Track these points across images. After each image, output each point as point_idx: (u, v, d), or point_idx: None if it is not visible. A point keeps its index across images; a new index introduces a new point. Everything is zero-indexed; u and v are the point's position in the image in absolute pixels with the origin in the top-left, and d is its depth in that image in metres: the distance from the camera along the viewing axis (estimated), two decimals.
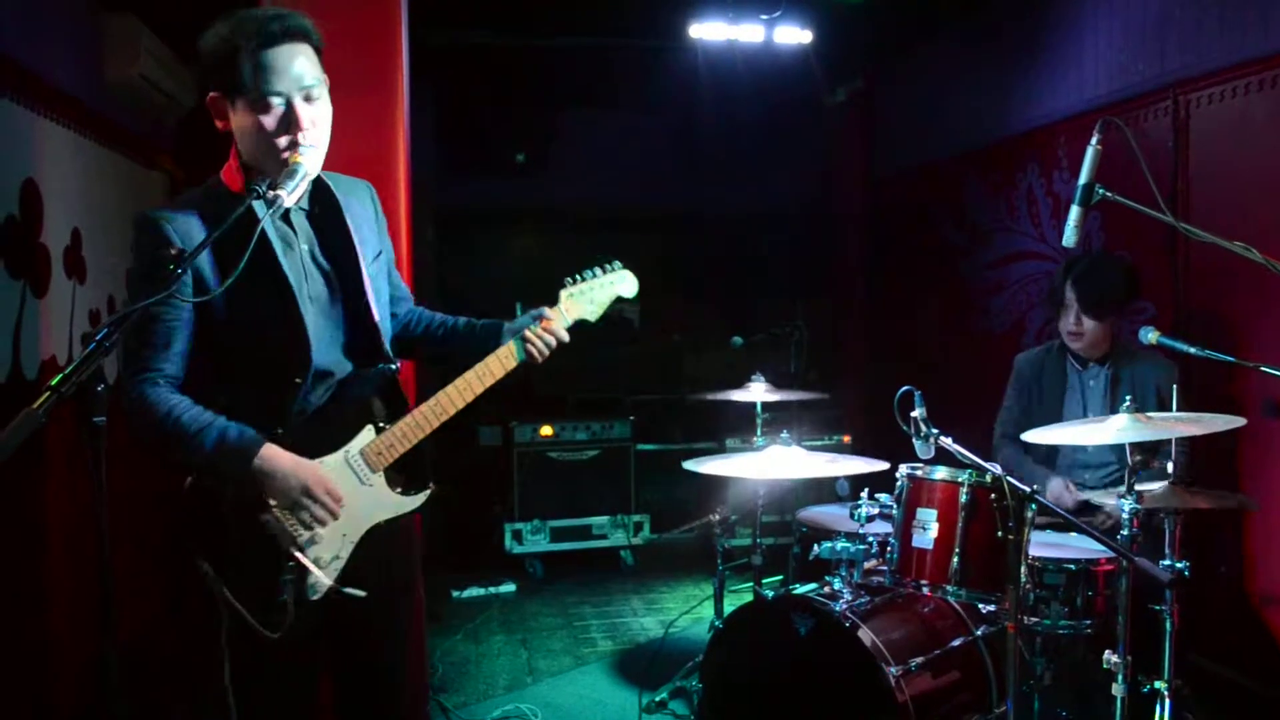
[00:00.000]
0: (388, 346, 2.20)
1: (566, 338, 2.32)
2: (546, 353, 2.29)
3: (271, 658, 1.99)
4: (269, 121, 1.98)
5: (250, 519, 1.98)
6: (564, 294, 2.36)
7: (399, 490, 2.15)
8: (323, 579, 2.01)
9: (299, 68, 1.98)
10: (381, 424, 2.13)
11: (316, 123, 2.03)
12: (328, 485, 2.01)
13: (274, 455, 1.97)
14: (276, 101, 1.97)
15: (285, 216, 2.08)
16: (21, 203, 3.25)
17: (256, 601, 1.95)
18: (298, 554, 1.99)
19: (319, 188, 2.15)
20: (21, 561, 3.21)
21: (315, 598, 2.00)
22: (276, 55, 1.96)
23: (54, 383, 1.45)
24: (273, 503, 1.98)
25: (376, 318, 2.15)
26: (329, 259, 2.13)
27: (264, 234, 1.95)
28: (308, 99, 2.01)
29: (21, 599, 3.19)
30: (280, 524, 1.98)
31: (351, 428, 2.10)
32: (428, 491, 2.19)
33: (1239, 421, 2.76)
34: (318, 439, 2.06)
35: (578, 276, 2.38)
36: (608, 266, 2.43)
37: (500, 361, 2.23)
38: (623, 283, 2.44)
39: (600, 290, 2.40)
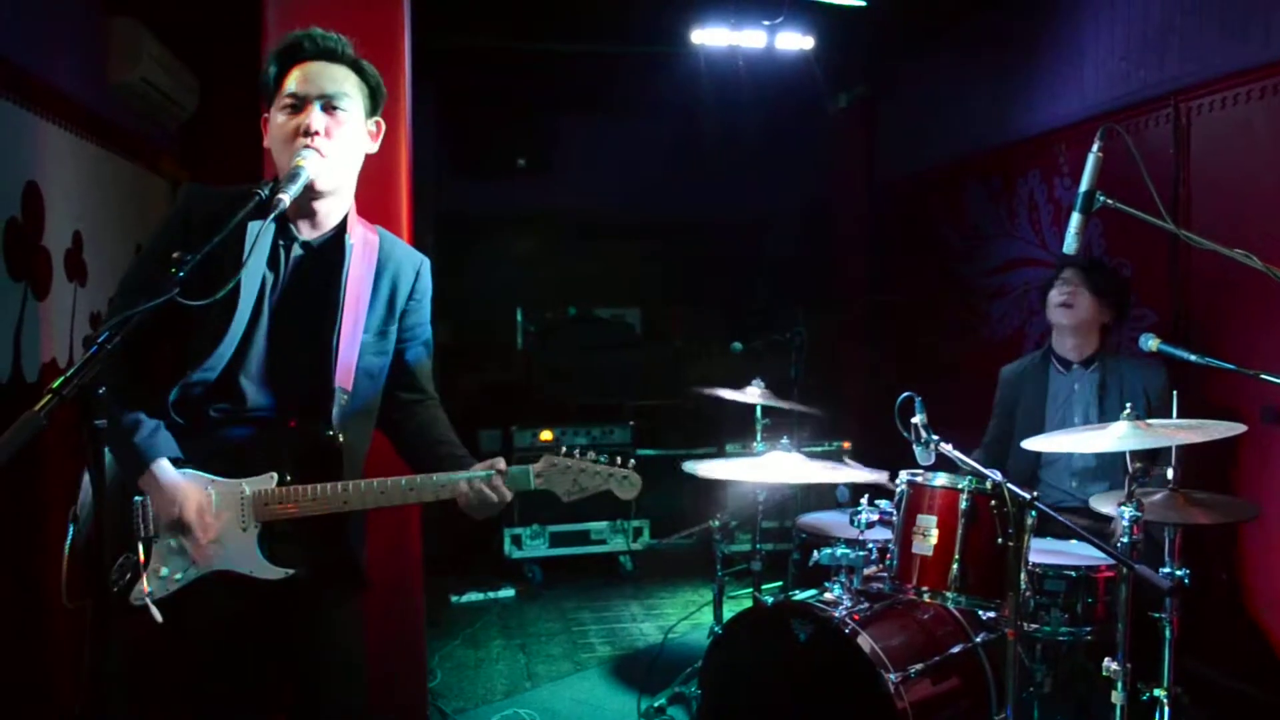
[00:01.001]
0: (337, 416, 2.09)
1: (507, 497, 2.12)
2: (484, 512, 2.10)
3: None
4: (286, 123, 2.02)
5: (128, 496, 1.98)
6: (546, 460, 2.13)
7: (265, 554, 2.03)
8: (144, 589, 1.94)
9: (326, 79, 2.04)
10: (288, 477, 2.05)
11: (331, 134, 2.03)
12: (205, 515, 1.98)
13: (164, 471, 1.96)
14: (294, 104, 2.02)
15: (287, 246, 2.07)
16: (23, 205, 3.25)
17: (93, 571, 1.89)
18: (140, 548, 1.95)
19: (335, 241, 2.12)
20: (22, 564, 3.21)
21: (136, 604, 1.94)
22: (308, 67, 2.04)
23: (55, 385, 1.45)
24: (141, 498, 1.97)
25: (337, 384, 2.08)
26: (305, 309, 2.09)
27: (244, 245, 1.94)
28: (328, 109, 2.03)
29: (22, 601, 3.19)
30: (142, 515, 1.97)
31: (256, 467, 2.03)
32: (289, 572, 2.03)
33: (1239, 428, 2.75)
34: (224, 460, 2.02)
35: (575, 451, 2.14)
36: (617, 461, 2.17)
37: (436, 486, 2.07)
38: (624, 484, 2.17)
39: (592, 479, 2.15)
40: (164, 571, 1.98)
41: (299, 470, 2.06)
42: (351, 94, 2.07)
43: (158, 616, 1.93)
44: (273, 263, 2.06)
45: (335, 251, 2.12)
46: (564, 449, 2.14)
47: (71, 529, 1.94)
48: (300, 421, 2.08)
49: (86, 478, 2.02)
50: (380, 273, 2.17)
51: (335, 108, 2.04)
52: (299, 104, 2.02)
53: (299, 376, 2.08)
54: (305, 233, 2.10)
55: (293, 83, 2.03)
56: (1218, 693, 3.80)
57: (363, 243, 2.15)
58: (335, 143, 2.04)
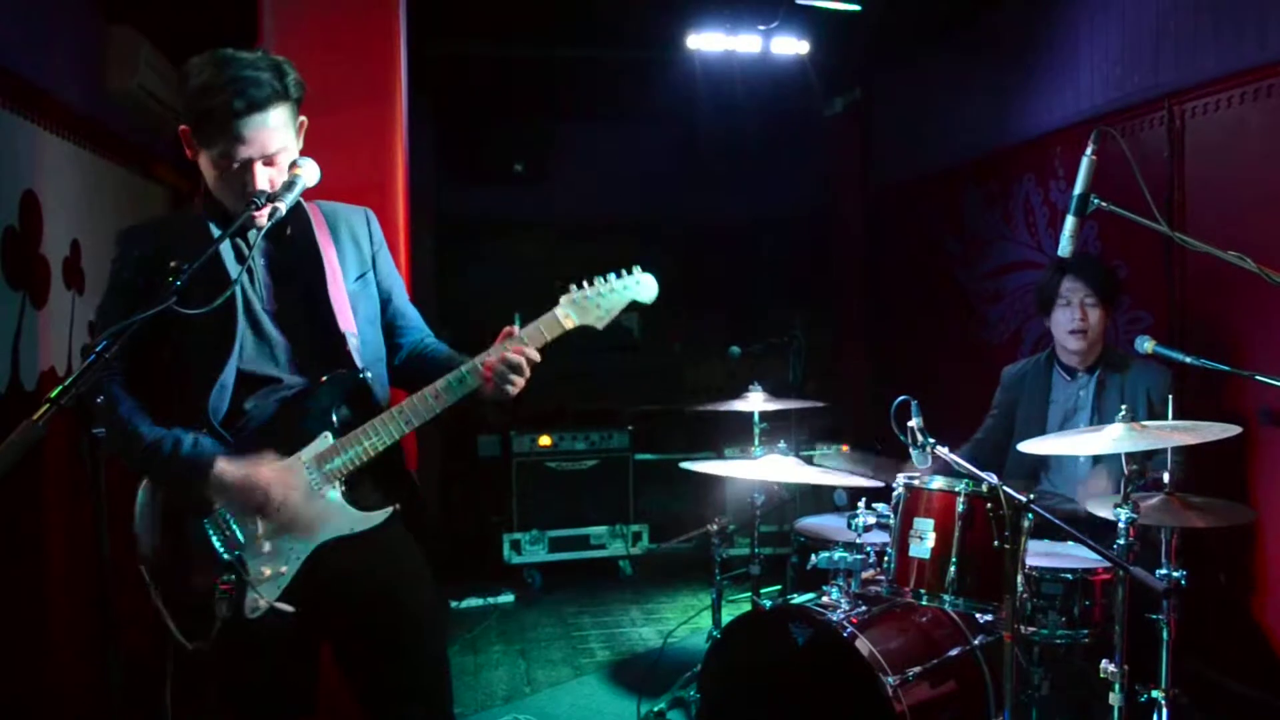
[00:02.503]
0: (358, 358, 2.15)
1: (537, 358, 2.15)
2: (511, 379, 2.11)
3: (215, 676, 1.98)
4: (229, 177, 2.05)
5: (192, 526, 1.97)
6: (564, 300, 2.17)
7: (356, 505, 2.06)
8: (261, 597, 1.94)
9: (265, 138, 2.03)
10: (338, 431, 2.08)
11: (274, 182, 2.07)
12: (289, 475, 1.99)
13: (227, 466, 1.97)
14: (236, 165, 2.03)
15: (243, 234, 2.11)
16: (21, 214, 3.26)
17: (188, 611, 1.92)
18: (235, 563, 1.95)
19: (295, 211, 2.17)
20: (22, 572, 3.21)
21: (255, 616, 1.95)
22: (245, 124, 2.00)
23: (53, 395, 1.46)
24: (219, 508, 1.97)
25: (343, 329, 2.13)
26: (292, 276, 2.14)
27: (219, 249, 2.01)
28: (268, 163, 2.06)
29: (21, 609, 3.19)
30: (223, 534, 1.96)
31: (306, 435, 2.06)
32: (389, 510, 2.08)
33: (1235, 430, 2.76)
34: (268, 446, 2.03)
35: (585, 283, 2.19)
36: (623, 272, 2.23)
37: (450, 383, 2.11)
38: (639, 287, 2.21)
39: (610, 296, 2.18)
40: (269, 572, 1.98)
41: (350, 417, 2.10)
42: (286, 131, 2.08)
43: (287, 608, 1.96)
44: (239, 257, 2.12)
45: (297, 221, 2.18)
46: (574, 284, 2.17)
47: (148, 575, 1.93)
48: (329, 376, 2.11)
49: (138, 507, 2.04)
50: (335, 228, 2.23)
51: (274, 160, 2.07)
52: (243, 165, 2.04)
53: (311, 338, 2.13)
54: (261, 222, 2.12)
55: (231, 144, 2.01)
56: (1216, 694, 3.81)
57: (323, 210, 2.24)
58: (279, 170, 2.08)
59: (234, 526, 1.97)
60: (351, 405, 2.13)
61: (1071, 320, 3.67)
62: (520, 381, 2.11)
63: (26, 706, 3.21)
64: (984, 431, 3.99)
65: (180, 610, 1.93)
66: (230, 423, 2.06)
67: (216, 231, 1.99)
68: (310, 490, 2.02)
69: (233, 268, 2.06)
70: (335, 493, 2.04)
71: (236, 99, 1.97)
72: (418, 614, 2.20)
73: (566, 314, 2.16)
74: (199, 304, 1.82)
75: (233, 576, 1.94)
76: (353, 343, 2.14)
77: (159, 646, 1.97)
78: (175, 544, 1.96)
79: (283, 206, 1.94)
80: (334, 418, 2.09)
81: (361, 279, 2.24)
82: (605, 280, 2.20)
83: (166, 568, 1.96)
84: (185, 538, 1.97)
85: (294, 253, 2.16)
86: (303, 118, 2.17)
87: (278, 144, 2.05)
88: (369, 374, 2.15)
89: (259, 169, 2.04)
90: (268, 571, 1.98)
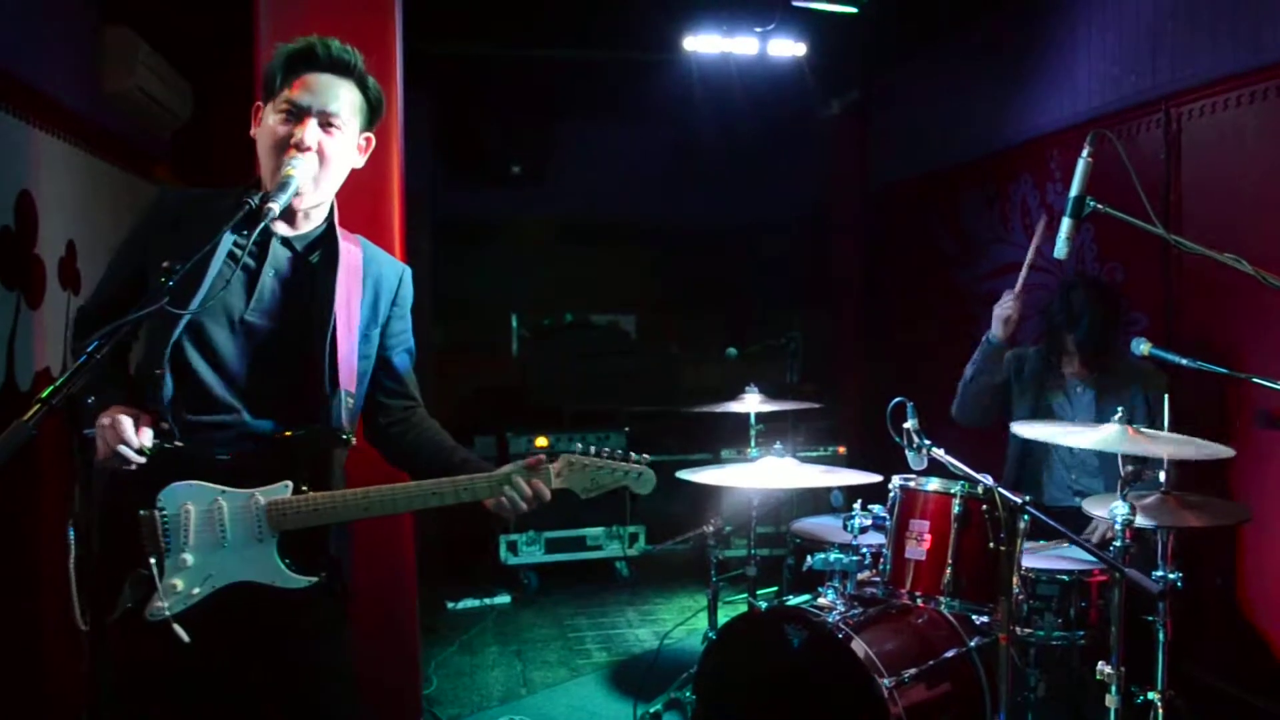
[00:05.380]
0: (346, 420, 2.08)
1: (547, 498, 2.13)
2: (522, 508, 2.11)
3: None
4: (280, 131, 2.01)
5: (129, 511, 1.93)
6: (565, 458, 2.13)
7: (287, 563, 2.01)
8: (164, 605, 1.91)
9: (329, 95, 2.03)
10: (304, 487, 2.03)
11: (324, 150, 2.03)
12: (137, 415, 1.89)
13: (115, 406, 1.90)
14: (292, 111, 2.02)
15: (264, 243, 2.05)
16: (17, 214, 3.26)
17: (95, 588, 1.84)
18: (152, 562, 1.91)
19: (328, 238, 2.13)
20: (14, 573, 3.21)
21: (154, 620, 1.91)
22: (314, 78, 2.03)
23: (44, 395, 1.45)
24: (160, 507, 1.93)
25: (343, 386, 2.07)
26: (297, 306, 2.08)
27: (218, 249, 1.96)
28: (325, 125, 2.03)
29: (14, 611, 3.18)
30: (154, 525, 1.93)
31: (269, 476, 2.00)
32: (313, 579, 2.02)
33: (1228, 452, 2.76)
34: (232, 474, 1.99)
35: (591, 449, 2.13)
36: (633, 457, 2.15)
37: (457, 488, 2.09)
38: (636, 482, 2.15)
39: (607, 476, 2.14)
40: (180, 586, 1.94)
41: (310, 477, 2.03)
42: (350, 111, 2.07)
43: (184, 636, 1.90)
44: (251, 258, 2.05)
45: (325, 250, 2.12)
46: (579, 447, 2.13)
47: (74, 541, 1.84)
48: (308, 427, 2.05)
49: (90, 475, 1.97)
50: (365, 276, 2.17)
51: (331, 124, 2.04)
52: (297, 114, 2.02)
53: (291, 379, 2.06)
54: (283, 229, 2.09)
55: (295, 90, 2.02)
56: (1212, 696, 3.81)
57: (346, 248, 2.15)
58: (325, 158, 2.04)
59: (168, 528, 1.94)
60: (317, 464, 2.06)
61: (1071, 367, 3.84)
62: (525, 510, 2.14)
63: (21, 709, 3.20)
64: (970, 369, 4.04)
65: (87, 589, 1.85)
66: (190, 433, 2.01)
67: (229, 235, 1.93)
68: (252, 531, 1.98)
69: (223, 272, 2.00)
70: (271, 541, 1.99)
71: (320, 48, 2.04)
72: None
73: (560, 475, 2.14)
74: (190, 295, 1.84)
75: (146, 573, 1.91)
76: (347, 402, 2.08)
77: (156, 654, 1.94)
78: (108, 520, 1.89)
79: (275, 208, 1.91)
80: (300, 469, 2.03)
81: (366, 339, 2.17)
82: (611, 455, 2.15)
83: (91, 537, 1.91)
84: (120, 519, 1.93)
85: (303, 283, 2.09)
86: (370, 135, 2.16)
87: (338, 107, 2.04)
88: (353, 440, 2.10)
89: (311, 124, 2.01)
90: (179, 585, 1.94)
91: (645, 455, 2.16)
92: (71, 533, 1.83)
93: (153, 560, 1.91)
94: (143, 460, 1.87)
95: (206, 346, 2.01)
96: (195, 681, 2.01)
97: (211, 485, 1.97)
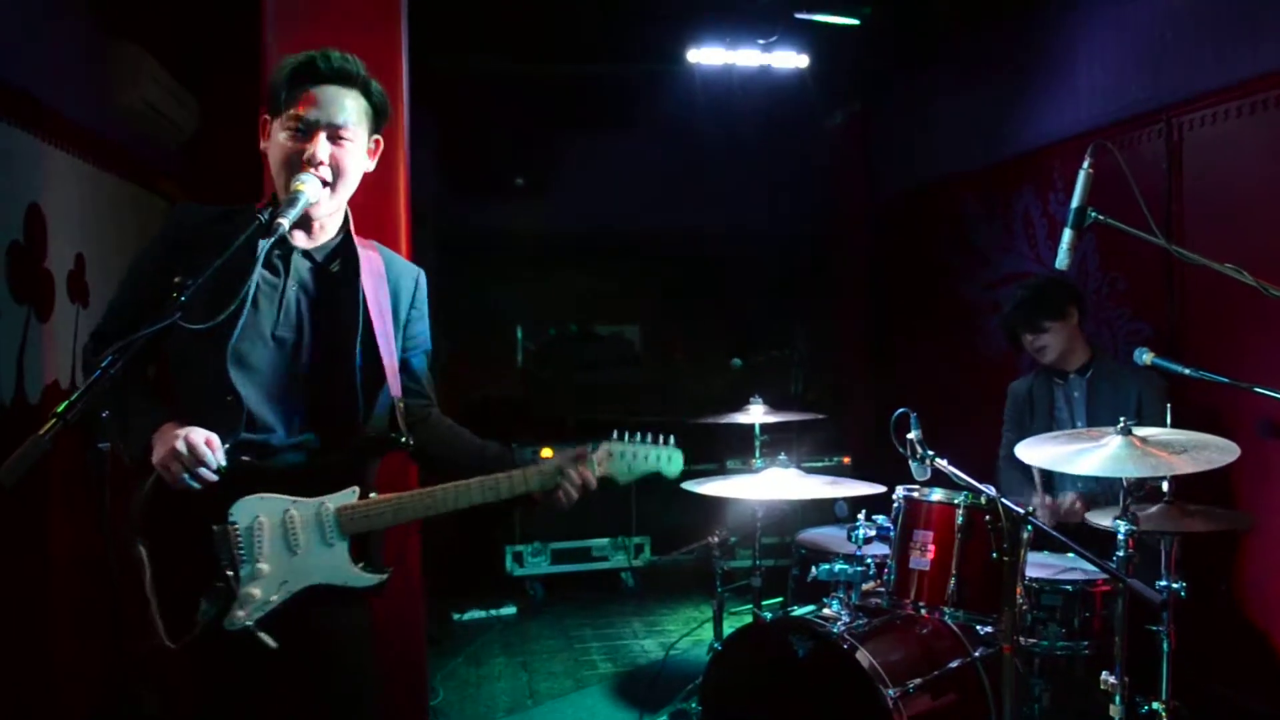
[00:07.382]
0: (398, 421, 2.15)
1: (594, 486, 2.17)
2: (574, 498, 2.15)
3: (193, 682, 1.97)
4: (290, 147, 2.04)
5: (200, 525, 1.96)
6: (605, 446, 2.18)
7: (360, 564, 2.07)
8: (243, 614, 1.96)
9: (335, 107, 2.05)
10: (371, 492, 2.09)
11: (338, 165, 2.06)
12: (208, 436, 1.93)
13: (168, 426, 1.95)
14: (301, 128, 2.04)
15: (285, 256, 2.08)
16: (26, 228, 3.28)
17: (174, 605, 1.91)
18: (230, 574, 1.95)
19: (345, 246, 2.16)
20: (28, 586, 3.22)
21: (233, 629, 1.95)
22: (319, 91, 2.05)
23: (59, 409, 1.47)
24: (233, 520, 1.97)
25: (390, 392, 2.13)
26: (324, 316, 2.11)
27: (249, 263, 1.96)
28: (335, 139, 2.06)
29: (28, 623, 3.20)
30: (228, 539, 1.97)
31: (335, 484, 2.06)
32: (384, 576, 2.10)
33: (1232, 455, 2.76)
34: (296, 482, 2.03)
35: (627, 435, 2.19)
36: (662, 439, 2.22)
37: (513, 482, 2.13)
38: (668, 462, 2.23)
39: (642, 461, 2.20)
40: (259, 595, 1.98)
41: (370, 480, 2.11)
42: (358, 120, 2.10)
43: (270, 642, 1.95)
44: (273, 273, 2.08)
45: (344, 258, 2.15)
46: (615, 434, 2.19)
47: (146, 559, 1.89)
48: (364, 435, 2.11)
49: (144, 492, 2.00)
50: (387, 280, 2.20)
51: (341, 136, 2.06)
52: (306, 130, 2.04)
53: (323, 385, 2.10)
54: (301, 242, 2.12)
55: (302, 105, 2.04)
56: (1217, 706, 3.80)
57: (365, 254, 2.18)
58: (338, 170, 2.07)
59: (241, 540, 1.98)
60: (372, 468, 2.15)
61: (1030, 348, 3.87)
62: (575, 500, 2.16)
63: (32, 714, 3.22)
64: (1006, 449, 4.00)
65: (165, 606, 1.92)
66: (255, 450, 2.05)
67: (262, 243, 1.93)
68: (321, 537, 2.03)
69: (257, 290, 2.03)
70: (344, 545, 2.05)
71: (321, 61, 2.06)
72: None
73: (602, 464, 2.18)
74: (216, 314, 1.86)
75: (222, 584, 1.95)
76: (399, 406, 2.15)
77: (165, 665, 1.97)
78: (178, 537, 1.95)
79: (285, 223, 1.93)
80: (366, 474, 2.11)
81: (396, 339, 2.21)
82: (644, 440, 2.21)
83: (167, 555, 1.94)
84: (189, 534, 1.96)
85: (330, 291, 2.12)
86: (379, 137, 2.18)
87: (345, 118, 2.06)
88: (413, 442, 2.15)
89: (321, 138, 2.03)
90: (257, 593, 1.98)
91: (673, 437, 2.22)
92: (144, 551, 1.89)
93: (229, 572, 1.96)
94: (216, 479, 1.92)
95: (245, 364, 2.04)
96: (259, 681, 2.07)
97: (281, 496, 2.02)
